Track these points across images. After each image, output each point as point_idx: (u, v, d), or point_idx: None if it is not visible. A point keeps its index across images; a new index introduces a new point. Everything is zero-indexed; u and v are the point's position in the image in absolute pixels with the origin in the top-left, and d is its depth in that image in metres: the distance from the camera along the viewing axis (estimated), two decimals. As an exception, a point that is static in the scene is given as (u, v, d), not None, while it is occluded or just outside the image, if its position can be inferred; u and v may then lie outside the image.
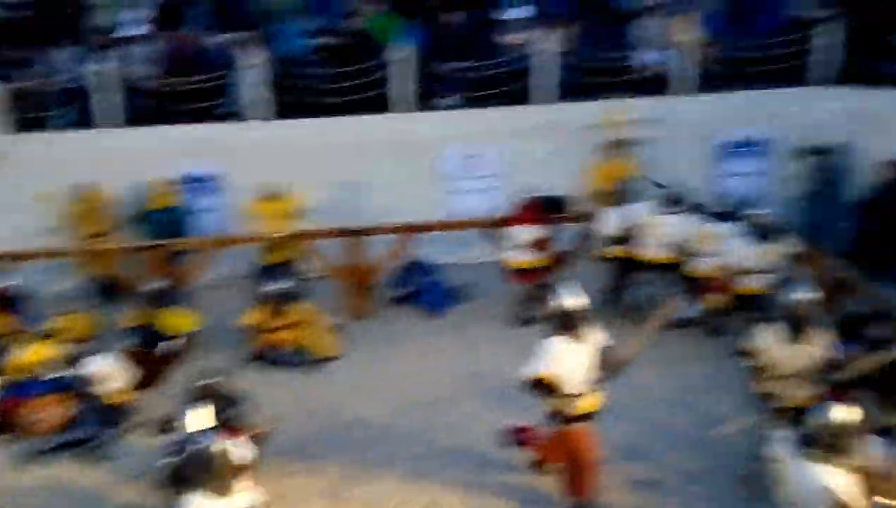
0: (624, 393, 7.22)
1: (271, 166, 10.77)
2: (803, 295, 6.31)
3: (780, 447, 5.14)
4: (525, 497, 6.78)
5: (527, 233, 9.35)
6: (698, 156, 11.50)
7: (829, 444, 4.81)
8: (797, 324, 6.29)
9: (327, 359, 9.15)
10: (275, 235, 10.37)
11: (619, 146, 10.83)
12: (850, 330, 7.47)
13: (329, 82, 11.04)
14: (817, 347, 6.32)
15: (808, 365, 6.33)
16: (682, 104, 11.33)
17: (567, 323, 6.14)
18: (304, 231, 10.38)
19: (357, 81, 10.95)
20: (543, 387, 6.13)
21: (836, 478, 4.69)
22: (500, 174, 11.45)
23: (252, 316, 9.15)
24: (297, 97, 11.01)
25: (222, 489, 5.15)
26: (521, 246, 9.42)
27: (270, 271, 10.20)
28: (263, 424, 6.82)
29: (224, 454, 5.21)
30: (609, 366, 6.23)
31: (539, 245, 9.35)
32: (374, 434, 7.77)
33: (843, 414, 4.90)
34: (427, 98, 11.42)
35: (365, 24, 11.64)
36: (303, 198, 10.73)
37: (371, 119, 11.16)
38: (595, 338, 6.25)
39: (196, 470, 5.21)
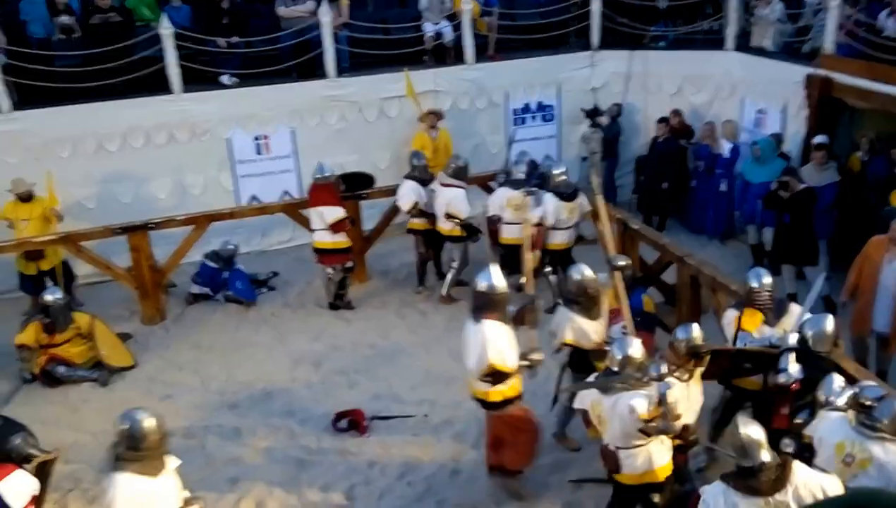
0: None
1: (22, 162, 9.66)
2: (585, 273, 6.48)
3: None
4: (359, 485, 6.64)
5: (328, 212, 9.06)
6: (493, 122, 11.77)
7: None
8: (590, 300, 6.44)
9: (121, 370, 8.38)
10: (37, 240, 9.12)
11: (425, 113, 10.81)
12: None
13: (83, 65, 10.03)
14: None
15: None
16: (471, 72, 11.49)
17: (497, 305, 5.93)
18: (73, 233, 9.17)
19: (119, 63, 10.01)
20: (499, 375, 5.86)
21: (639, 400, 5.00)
22: (292, 154, 11.10)
23: (26, 335, 8.16)
24: (45, 82, 9.81)
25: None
26: (321, 227, 9.13)
27: (37, 281, 9.22)
28: (48, 453, 5.92)
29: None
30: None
31: (339, 225, 9.09)
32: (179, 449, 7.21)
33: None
34: (205, 77, 10.71)
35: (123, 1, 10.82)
36: (58, 196, 9.38)
37: (144, 102, 10.28)
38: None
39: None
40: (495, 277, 5.95)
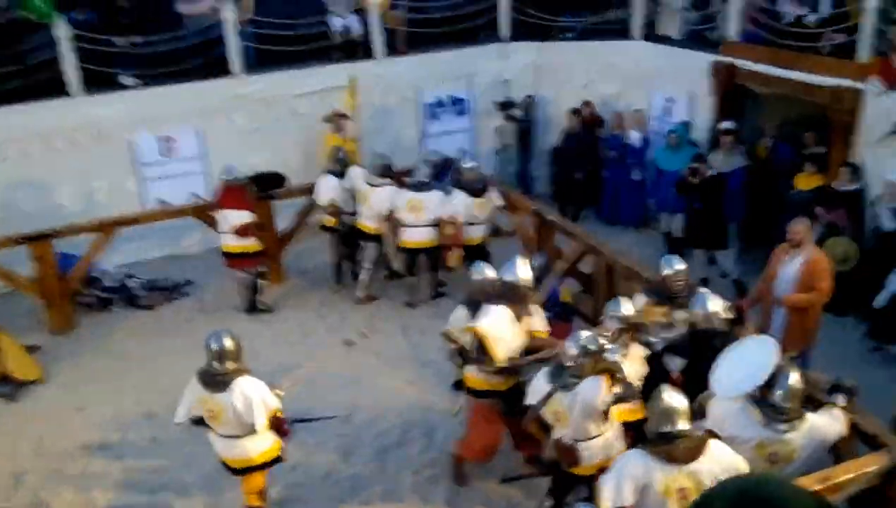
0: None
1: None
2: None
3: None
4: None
5: (234, 216, 8.86)
6: (406, 118, 11.72)
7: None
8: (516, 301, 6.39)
9: (30, 384, 8.07)
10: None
11: (332, 115, 10.60)
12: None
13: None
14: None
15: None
16: (383, 67, 11.43)
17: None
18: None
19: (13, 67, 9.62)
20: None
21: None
22: (200, 156, 10.84)
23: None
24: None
25: None
26: (228, 231, 8.91)
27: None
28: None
29: None
30: None
31: (245, 230, 8.85)
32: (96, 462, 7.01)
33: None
34: (105, 79, 10.34)
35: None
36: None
37: (41, 106, 9.87)
38: None
39: None
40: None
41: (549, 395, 5.26)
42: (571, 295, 7.64)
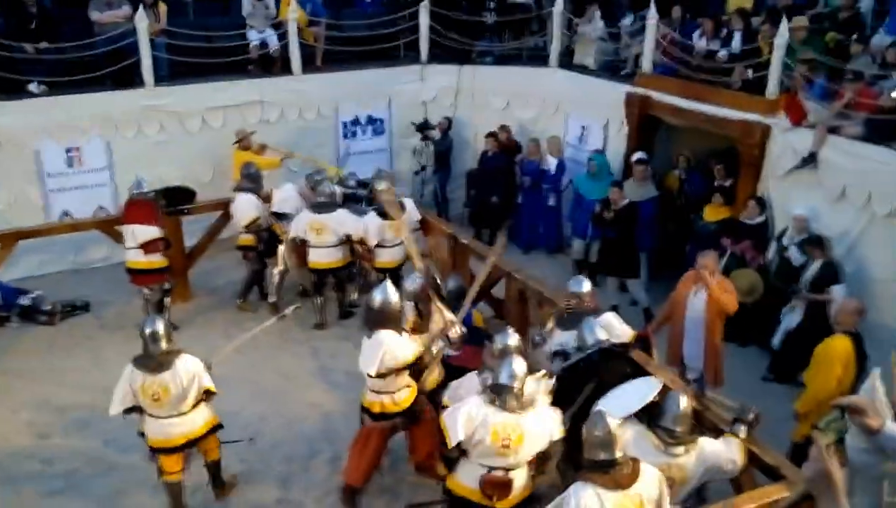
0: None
1: None
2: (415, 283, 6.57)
3: None
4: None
5: (141, 232, 8.50)
6: (322, 135, 11.56)
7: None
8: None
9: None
10: None
11: (245, 131, 10.39)
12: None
13: None
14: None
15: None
16: (300, 83, 11.26)
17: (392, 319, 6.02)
18: None
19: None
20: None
21: None
22: (108, 167, 10.45)
23: None
24: None
25: None
26: (134, 246, 8.55)
27: None
28: None
29: None
30: None
31: (152, 246, 8.51)
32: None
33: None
34: (11, 85, 9.84)
35: None
36: None
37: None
38: None
39: None
40: (390, 292, 6.02)
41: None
42: (484, 320, 7.58)
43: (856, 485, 3.10)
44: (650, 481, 4.41)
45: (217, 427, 6.19)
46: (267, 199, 9.20)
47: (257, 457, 6.88)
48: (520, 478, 5.10)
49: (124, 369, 5.97)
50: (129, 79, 10.38)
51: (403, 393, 6.07)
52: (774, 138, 8.55)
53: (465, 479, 5.13)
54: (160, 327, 5.97)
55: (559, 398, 5.48)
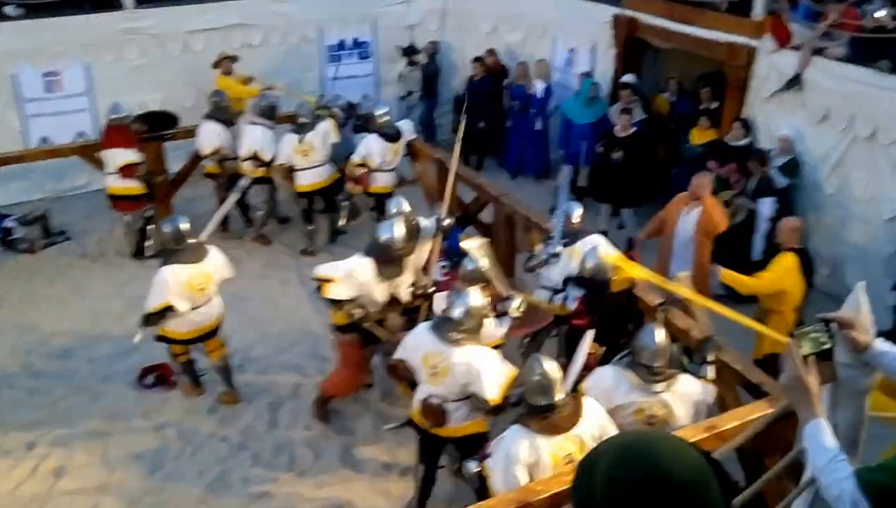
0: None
1: None
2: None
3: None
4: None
5: (120, 156, 8.35)
6: (307, 59, 11.31)
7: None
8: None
9: None
10: None
11: (225, 54, 10.04)
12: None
13: None
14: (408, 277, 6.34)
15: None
16: (283, 4, 10.95)
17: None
18: None
19: None
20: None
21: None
22: (87, 92, 10.19)
23: None
24: None
25: None
26: (112, 171, 8.42)
27: None
28: None
29: None
30: None
31: (129, 170, 8.36)
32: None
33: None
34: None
35: None
36: None
37: None
38: None
39: None
40: (397, 228, 5.92)
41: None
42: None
43: (839, 399, 3.11)
44: (593, 418, 4.39)
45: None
46: None
47: (244, 386, 6.85)
48: (458, 412, 5.03)
49: (158, 274, 6.13)
50: (107, 1, 10.06)
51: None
52: (760, 60, 8.45)
53: (415, 402, 5.19)
54: (186, 222, 6.36)
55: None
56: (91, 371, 7.08)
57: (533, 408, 4.32)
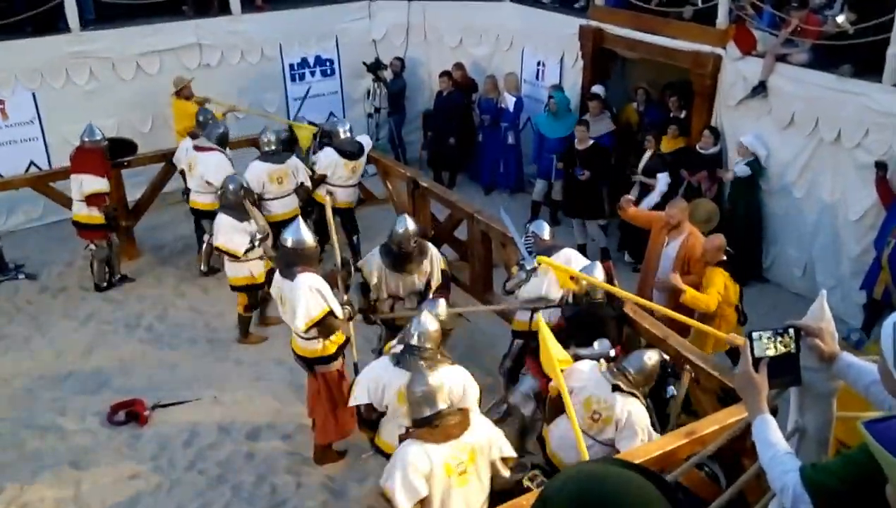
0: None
1: None
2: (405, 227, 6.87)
3: None
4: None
5: (89, 183, 8.50)
6: (268, 79, 11.62)
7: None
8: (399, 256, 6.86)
9: None
10: None
11: (184, 79, 10.23)
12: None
13: None
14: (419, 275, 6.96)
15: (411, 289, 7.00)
16: (238, 23, 11.27)
17: (309, 259, 6.17)
18: None
19: None
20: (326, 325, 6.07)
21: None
22: (36, 120, 10.40)
23: None
24: None
25: None
26: (79, 198, 8.60)
27: None
28: None
29: None
30: None
31: (94, 200, 8.52)
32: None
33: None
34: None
35: None
36: None
37: None
38: None
39: None
40: (303, 232, 6.20)
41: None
42: (447, 263, 7.88)
43: (806, 402, 3.37)
44: (480, 430, 4.73)
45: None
46: None
47: (220, 416, 7.10)
48: None
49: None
50: (52, 23, 10.28)
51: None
52: (725, 68, 8.95)
53: (388, 437, 5.45)
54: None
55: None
56: (58, 410, 7.21)
57: (419, 420, 4.66)
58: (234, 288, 8.01)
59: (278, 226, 8.96)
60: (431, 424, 4.61)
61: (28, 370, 7.80)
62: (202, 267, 9.30)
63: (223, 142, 9.06)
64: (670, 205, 7.40)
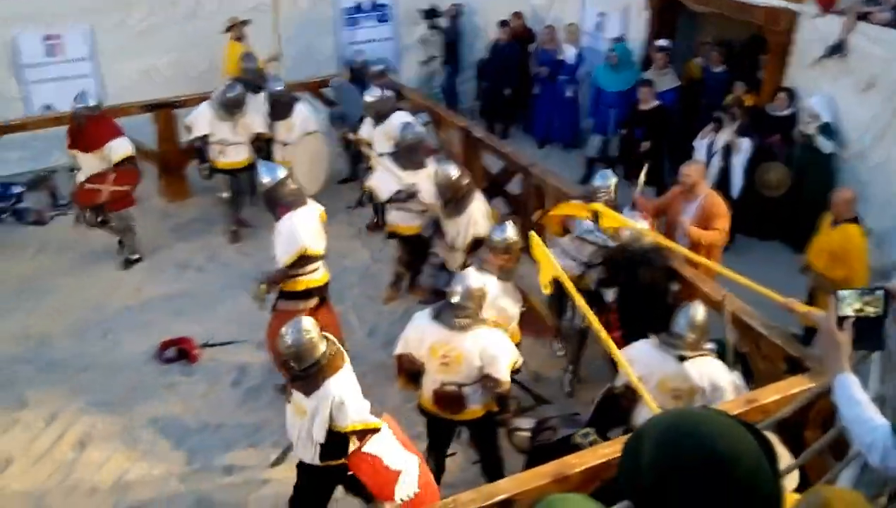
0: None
1: None
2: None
3: None
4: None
5: (116, 148, 8.12)
6: (321, 24, 11.54)
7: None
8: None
9: None
10: None
11: (236, 19, 10.26)
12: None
13: None
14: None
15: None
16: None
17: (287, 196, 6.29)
18: None
19: None
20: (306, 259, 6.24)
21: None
22: (91, 57, 10.50)
23: None
24: None
25: None
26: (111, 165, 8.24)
27: None
28: None
29: None
30: None
31: (128, 164, 8.22)
32: None
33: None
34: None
35: None
36: None
37: None
38: None
39: None
40: (279, 170, 6.33)
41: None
42: (499, 217, 7.84)
43: (888, 369, 3.30)
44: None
45: None
46: None
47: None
48: (474, 395, 5.32)
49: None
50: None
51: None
52: (802, 25, 8.66)
53: (426, 392, 5.46)
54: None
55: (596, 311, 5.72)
56: (108, 345, 7.39)
57: (294, 373, 4.80)
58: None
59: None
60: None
61: (80, 305, 7.97)
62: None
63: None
64: (684, 165, 7.02)
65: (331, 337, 4.94)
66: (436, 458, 5.63)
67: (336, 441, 4.72)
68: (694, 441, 1.62)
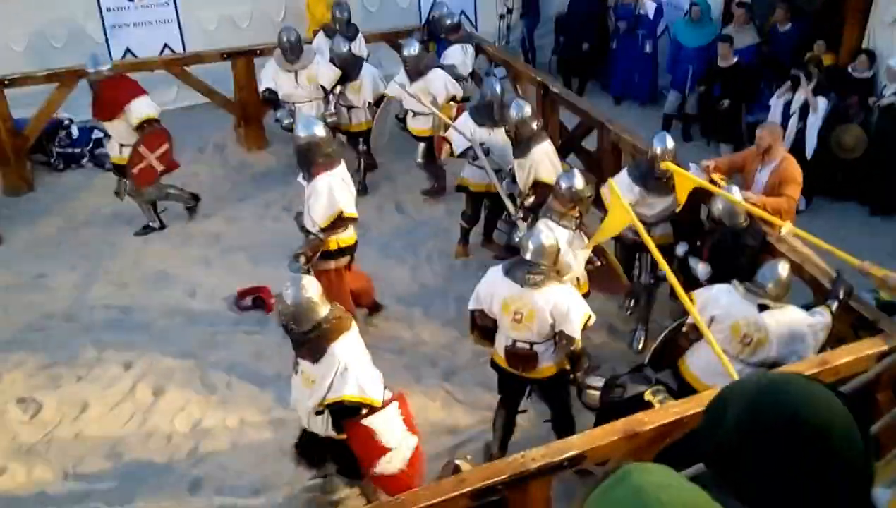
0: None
1: None
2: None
3: None
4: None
5: (136, 108, 7.91)
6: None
7: None
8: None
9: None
10: None
11: None
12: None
13: None
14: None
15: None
16: None
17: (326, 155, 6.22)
18: None
19: None
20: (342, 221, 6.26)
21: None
22: (172, 2, 10.61)
23: None
24: None
25: None
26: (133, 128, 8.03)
27: None
28: None
29: None
30: None
31: (149, 128, 8.00)
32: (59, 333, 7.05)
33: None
34: None
35: None
36: None
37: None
38: None
39: None
40: (316, 126, 6.22)
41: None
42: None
43: None
44: (339, 351, 4.65)
45: None
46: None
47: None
48: (546, 352, 5.34)
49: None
50: None
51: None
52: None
53: (499, 349, 5.50)
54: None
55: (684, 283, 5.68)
56: (187, 292, 7.50)
57: (295, 336, 4.69)
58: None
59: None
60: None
61: (157, 253, 8.10)
62: None
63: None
64: (760, 127, 6.85)
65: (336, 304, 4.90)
66: (506, 415, 5.69)
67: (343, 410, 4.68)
68: (784, 408, 1.58)
